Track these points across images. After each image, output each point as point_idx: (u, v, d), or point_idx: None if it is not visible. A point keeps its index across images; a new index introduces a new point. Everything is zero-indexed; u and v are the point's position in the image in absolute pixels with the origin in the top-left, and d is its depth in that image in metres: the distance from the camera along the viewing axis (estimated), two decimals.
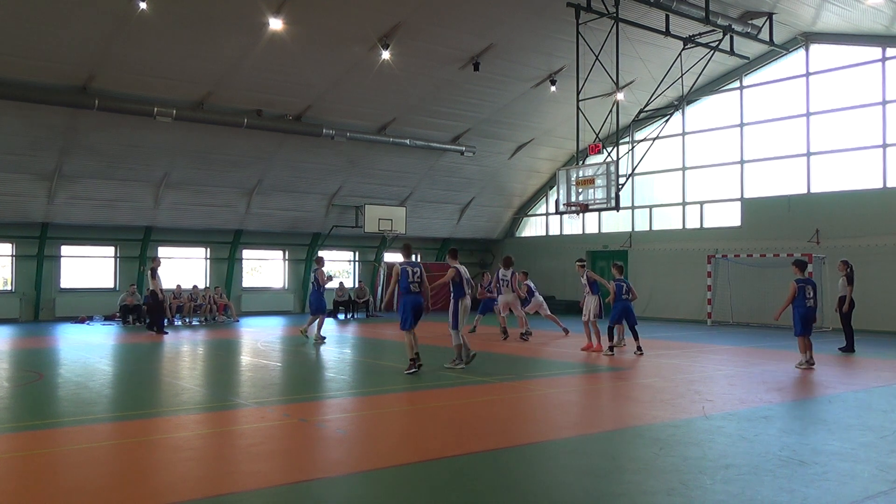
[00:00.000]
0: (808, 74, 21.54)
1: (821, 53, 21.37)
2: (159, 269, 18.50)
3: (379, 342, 17.17)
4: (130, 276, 23.42)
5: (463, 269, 11.83)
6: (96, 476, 5.80)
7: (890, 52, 19.85)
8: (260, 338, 17.38)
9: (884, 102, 19.94)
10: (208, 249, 25.43)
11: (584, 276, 14.43)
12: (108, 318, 22.58)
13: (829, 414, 8.18)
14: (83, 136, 19.60)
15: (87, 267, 23.66)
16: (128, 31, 16.37)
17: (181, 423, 7.75)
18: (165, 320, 18.92)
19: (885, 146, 19.91)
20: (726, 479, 5.57)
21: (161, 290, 18.35)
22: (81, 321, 21.98)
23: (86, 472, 5.92)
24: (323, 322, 16.37)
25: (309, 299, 17.29)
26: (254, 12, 16.25)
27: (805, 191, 21.43)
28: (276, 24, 16.62)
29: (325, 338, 16.09)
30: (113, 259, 23.90)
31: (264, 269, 27.66)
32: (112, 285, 23.72)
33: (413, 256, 11.44)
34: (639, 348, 13.81)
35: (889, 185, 19.79)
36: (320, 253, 20.88)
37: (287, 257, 27.27)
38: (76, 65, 17.52)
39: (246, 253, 26.45)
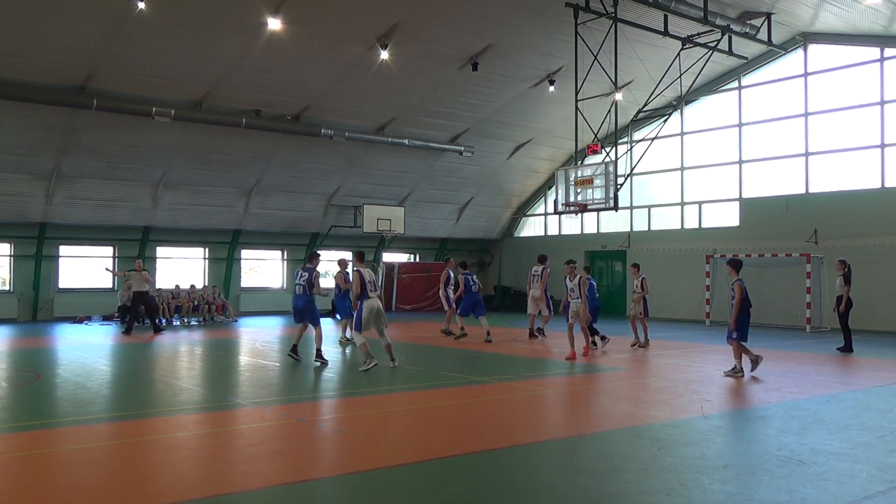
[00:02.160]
0: (806, 74, 21.55)
1: (819, 53, 21.38)
2: (141, 271, 18.58)
3: (378, 342, 17.13)
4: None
5: (367, 271, 11.83)
6: (95, 476, 5.80)
7: (888, 52, 19.87)
8: (258, 338, 17.38)
9: (882, 102, 19.96)
10: (207, 249, 25.41)
11: (577, 280, 13.75)
12: (107, 318, 22.54)
13: (827, 414, 8.19)
14: (82, 135, 19.58)
15: (86, 267, 23.64)
16: (126, 31, 16.36)
17: (180, 424, 7.75)
18: (146, 320, 19.03)
19: (883, 146, 19.92)
20: (725, 478, 5.58)
21: (140, 290, 18.33)
22: (80, 321, 21.93)
23: (85, 472, 5.92)
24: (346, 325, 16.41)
25: (337, 305, 16.86)
26: (252, 12, 16.24)
27: (803, 191, 21.44)
28: (274, 23, 16.61)
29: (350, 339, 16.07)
30: (111, 259, 23.86)
31: (263, 269, 27.65)
32: (110, 285, 23.67)
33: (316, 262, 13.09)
34: (594, 343, 14.26)
35: (887, 184, 19.81)
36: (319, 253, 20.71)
37: (286, 257, 27.27)
38: (75, 65, 17.50)
39: (244, 253, 26.43)
